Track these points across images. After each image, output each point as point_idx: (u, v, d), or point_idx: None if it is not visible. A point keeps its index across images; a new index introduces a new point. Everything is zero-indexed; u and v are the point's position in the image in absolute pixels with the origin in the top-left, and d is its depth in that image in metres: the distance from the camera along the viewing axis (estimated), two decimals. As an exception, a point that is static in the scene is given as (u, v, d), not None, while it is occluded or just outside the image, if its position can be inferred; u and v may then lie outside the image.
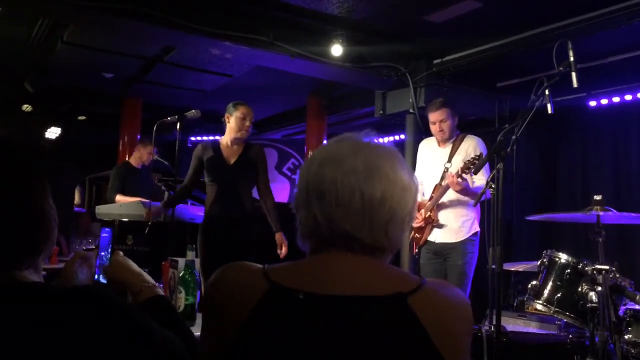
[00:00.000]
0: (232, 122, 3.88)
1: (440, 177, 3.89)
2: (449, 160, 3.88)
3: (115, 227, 1.31)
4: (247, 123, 3.89)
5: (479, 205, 3.78)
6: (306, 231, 1.08)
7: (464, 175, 3.60)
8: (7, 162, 1.05)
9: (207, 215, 3.94)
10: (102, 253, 1.37)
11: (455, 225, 3.83)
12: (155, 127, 3.71)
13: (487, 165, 3.50)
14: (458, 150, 3.89)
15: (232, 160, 3.90)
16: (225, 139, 3.95)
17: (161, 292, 1.30)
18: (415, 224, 3.95)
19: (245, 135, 3.90)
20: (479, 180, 3.72)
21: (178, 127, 3.70)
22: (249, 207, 3.90)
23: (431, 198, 3.90)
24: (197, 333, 1.21)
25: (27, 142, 1.10)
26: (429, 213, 3.87)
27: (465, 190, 3.68)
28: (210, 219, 3.90)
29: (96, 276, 1.35)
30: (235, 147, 3.94)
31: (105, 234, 1.39)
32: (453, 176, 3.63)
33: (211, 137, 8.81)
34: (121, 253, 1.37)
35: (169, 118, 3.68)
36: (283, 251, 3.90)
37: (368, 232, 1.04)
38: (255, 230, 3.91)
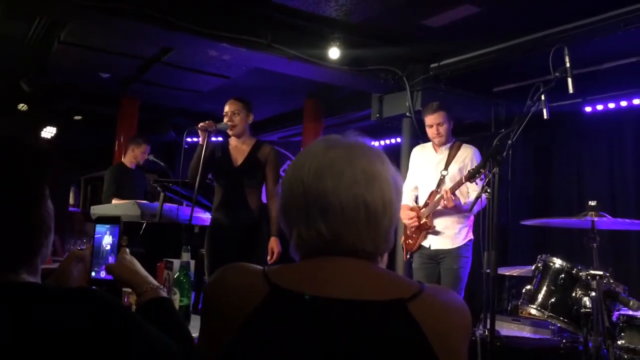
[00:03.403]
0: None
1: (437, 183, 3.89)
2: (446, 168, 3.89)
3: (121, 224, 1.30)
4: (228, 118, 3.74)
5: (473, 214, 3.81)
6: (307, 245, 1.05)
7: (466, 182, 3.60)
8: (2, 163, 1.04)
9: (213, 220, 3.85)
10: (109, 249, 1.36)
11: (451, 233, 3.83)
12: (185, 133, 3.65)
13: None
14: (455, 159, 3.89)
15: (239, 162, 3.80)
16: (232, 139, 3.88)
17: (164, 294, 1.30)
18: (409, 230, 3.96)
19: (234, 131, 3.77)
20: (474, 191, 3.73)
21: (206, 135, 3.58)
22: (256, 210, 3.79)
23: (426, 204, 3.90)
24: (193, 334, 1.21)
25: (25, 143, 1.10)
26: (424, 219, 3.87)
27: (456, 207, 3.71)
28: (217, 223, 3.81)
29: (93, 273, 1.34)
30: (243, 147, 3.83)
31: (100, 229, 1.38)
32: (447, 192, 3.65)
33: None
34: (128, 251, 1.37)
35: (200, 125, 3.58)
36: (273, 258, 3.75)
37: (372, 241, 1.05)
38: (264, 233, 3.80)
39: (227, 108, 3.79)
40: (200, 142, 3.60)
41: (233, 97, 3.86)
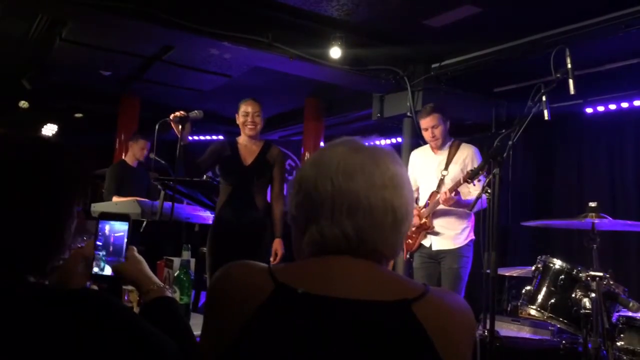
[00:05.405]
0: (239, 119, 3.81)
1: (437, 184, 3.88)
2: (446, 168, 3.87)
3: (131, 221, 1.30)
4: (250, 119, 3.76)
5: (473, 214, 3.80)
6: (326, 242, 1.04)
7: (465, 183, 3.60)
8: (45, 175, 1.03)
9: (218, 218, 3.82)
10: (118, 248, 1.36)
11: (452, 233, 3.82)
12: (157, 127, 3.60)
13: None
14: (455, 159, 3.87)
15: (249, 161, 3.80)
16: (241, 138, 3.87)
17: (169, 294, 1.30)
18: (409, 230, 3.94)
19: (252, 132, 3.78)
20: (475, 191, 3.71)
21: (180, 127, 3.57)
22: (262, 209, 3.78)
23: (427, 204, 3.90)
24: (195, 332, 1.21)
25: (74, 160, 1.07)
26: (424, 220, 3.87)
27: (457, 203, 3.70)
28: (222, 221, 3.79)
29: (97, 269, 1.34)
30: (253, 147, 3.84)
31: (120, 227, 1.38)
32: (446, 193, 3.65)
33: (207, 137, 8.83)
34: (135, 249, 1.36)
35: (171, 117, 3.57)
36: (277, 260, 3.75)
37: (392, 245, 1.06)
38: (269, 232, 3.79)
39: (247, 108, 3.78)
40: (178, 134, 3.48)
41: (251, 98, 3.84)
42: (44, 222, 1.03)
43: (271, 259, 3.76)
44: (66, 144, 1.10)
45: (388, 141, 7.61)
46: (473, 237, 3.85)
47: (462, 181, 3.59)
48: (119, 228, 1.36)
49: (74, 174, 1.09)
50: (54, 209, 1.04)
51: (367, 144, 1.11)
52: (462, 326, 1.01)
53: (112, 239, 1.35)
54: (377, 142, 7.64)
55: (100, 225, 1.35)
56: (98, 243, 1.34)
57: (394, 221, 1.04)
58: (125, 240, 1.36)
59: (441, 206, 3.80)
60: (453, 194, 3.65)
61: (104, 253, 1.34)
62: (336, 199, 1.03)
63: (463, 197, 3.77)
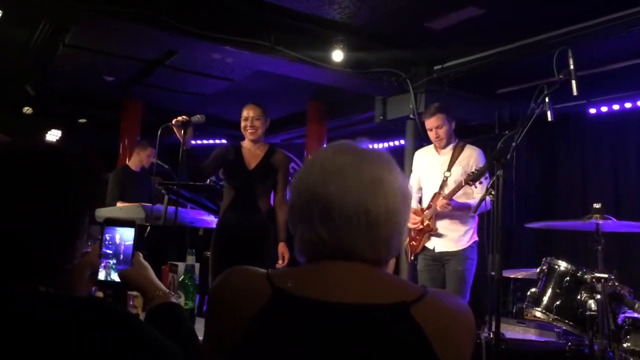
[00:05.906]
0: (241, 124, 3.81)
1: (439, 185, 3.88)
2: (449, 169, 3.86)
3: (137, 227, 1.31)
4: (250, 123, 3.76)
5: (477, 216, 3.79)
6: (307, 247, 1.06)
7: (466, 185, 3.59)
8: (49, 180, 1.02)
9: (221, 221, 3.83)
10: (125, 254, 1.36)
11: (455, 235, 3.81)
12: (159, 131, 3.61)
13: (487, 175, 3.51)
14: (458, 160, 3.86)
15: (253, 165, 3.80)
16: (245, 143, 3.87)
17: (175, 299, 1.30)
18: (412, 232, 3.94)
19: (253, 136, 3.78)
20: (477, 193, 3.70)
21: (182, 131, 3.53)
22: (265, 212, 3.78)
23: (429, 206, 3.89)
24: (200, 337, 1.21)
25: (78, 162, 1.06)
26: (427, 221, 3.86)
27: (459, 208, 3.71)
28: (225, 223, 3.79)
29: (103, 276, 1.33)
30: (257, 151, 3.84)
31: (130, 235, 1.37)
32: (443, 201, 3.67)
33: (210, 141, 8.83)
34: (141, 255, 1.36)
35: (173, 121, 3.49)
36: (284, 263, 3.74)
37: (371, 248, 1.05)
38: (272, 236, 3.79)
39: (247, 113, 3.78)
40: (181, 139, 3.48)
41: (252, 102, 3.84)
42: (58, 229, 1.03)
43: (279, 262, 3.75)
44: (75, 150, 1.10)
45: (391, 143, 7.61)
46: (476, 238, 3.84)
47: (463, 183, 3.58)
48: (129, 236, 1.36)
49: (86, 181, 1.08)
50: (67, 216, 1.04)
51: (361, 147, 1.11)
52: (463, 328, 1.01)
53: (122, 248, 1.35)
54: (379, 145, 7.65)
55: (110, 233, 1.35)
56: (108, 251, 1.34)
57: (368, 224, 1.02)
58: (134, 246, 1.35)
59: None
60: (450, 201, 3.65)
61: (115, 261, 1.34)
62: (311, 204, 1.04)
63: (467, 199, 3.76)
